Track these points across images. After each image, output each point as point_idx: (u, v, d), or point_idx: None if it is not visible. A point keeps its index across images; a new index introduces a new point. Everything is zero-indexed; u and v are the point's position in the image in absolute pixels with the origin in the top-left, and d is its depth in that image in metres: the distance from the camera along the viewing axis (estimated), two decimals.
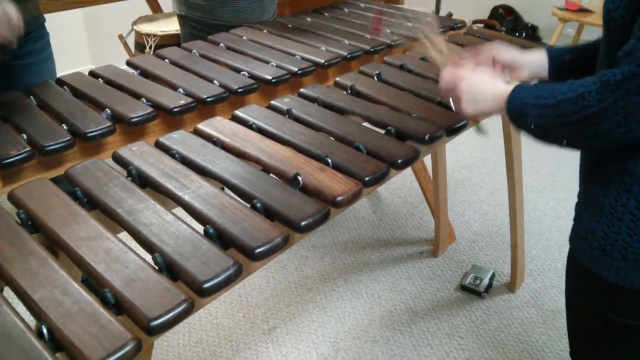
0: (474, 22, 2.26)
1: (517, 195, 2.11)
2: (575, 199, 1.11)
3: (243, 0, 2.06)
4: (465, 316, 2.12)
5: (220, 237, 0.94)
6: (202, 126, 1.28)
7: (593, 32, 4.12)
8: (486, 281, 2.23)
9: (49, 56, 1.80)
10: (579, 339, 1.20)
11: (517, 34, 4.42)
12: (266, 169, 1.13)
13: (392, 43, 1.81)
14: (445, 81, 1.14)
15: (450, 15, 2.16)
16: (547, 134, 0.98)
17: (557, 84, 0.96)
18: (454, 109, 1.15)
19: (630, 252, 0.97)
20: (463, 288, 2.24)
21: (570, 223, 1.10)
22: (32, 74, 1.69)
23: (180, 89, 1.43)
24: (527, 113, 0.98)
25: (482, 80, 1.09)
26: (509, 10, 4.64)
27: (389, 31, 1.90)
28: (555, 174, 3.01)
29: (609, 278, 1.01)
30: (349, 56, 1.69)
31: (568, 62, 1.18)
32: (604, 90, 0.87)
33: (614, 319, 1.08)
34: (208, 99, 1.39)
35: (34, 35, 1.70)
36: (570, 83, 0.94)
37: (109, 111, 1.31)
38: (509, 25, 4.55)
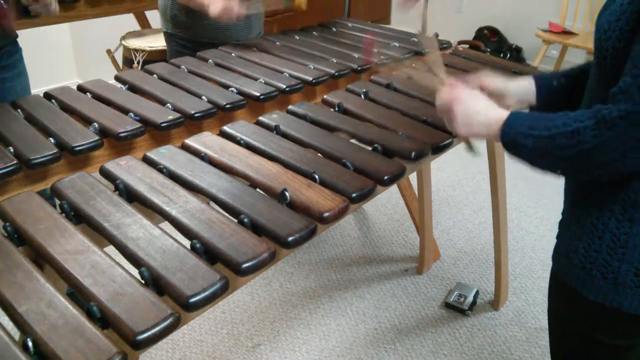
0: (460, 42, 2.30)
1: (500, 214, 2.13)
2: (559, 218, 1.12)
3: (238, 27, 2.08)
4: (449, 334, 2.12)
5: (207, 252, 0.94)
6: (190, 141, 1.28)
7: (576, 54, 4.19)
8: (470, 299, 2.24)
9: (22, 71, 1.78)
10: (563, 358, 1.21)
11: (501, 55, 4.48)
12: (254, 184, 1.14)
13: (380, 62, 1.81)
14: (442, 101, 1.13)
15: (436, 35, 2.19)
16: (542, 164, 0.99)
17: (551, 115, 0.97)
18: (448, 128, 1.15)
19: (610, 270, 0.98)
20: (447, 305, 2.25)
21: (554, 242, 1.12)
22: (5, 89, 1.67)
23: (169, 104, 1.43)
24: (522, 143, 0.98)
25: (477, 104, 1.09)
26: (493, 32, 4.71)
27: (376, 51, 1.90)
28: (538, 193, 3.04)
29: (589, 296, 1.02)
30: (336, 74, 1.71)
31: (556, 88, 1.19)
32: (600, 127, 0.88)
33: (596, 338, 1.08)
34: (196, 115, 1.39)
35: (7, 50, 1.69)
36: (564, 115, 0.95)
37: (96, 125, 1.31)
38: (494, 47, 4.61)
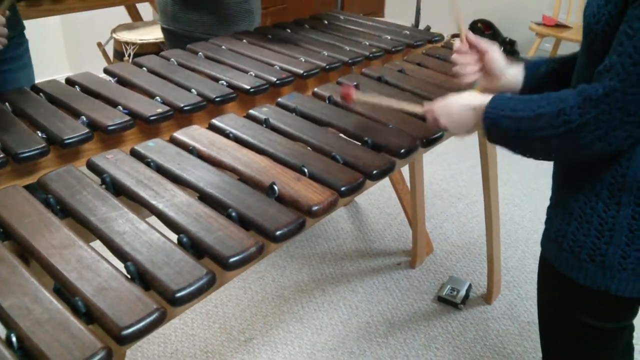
0: (453, 36, 2.28)
1: (493, 207, 2.12)
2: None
3: (242, 21, 2.07)
4: (441, 327, 2.13)
5: (194, 246, 0.93)
6: (179, 135, 1.27)
7: (570, 48, 4.19)
8: (463, 292, 2.24)
9: (28, 63, 1.80)
10: (552, 343, 1.22)
11: None
12: (242, 178, 1.13)
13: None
14: (430, 123, 1.20)
15: (428, 28, 2.19)
16: (525, 146, 1.00)
17: (535, 96, 0.98)
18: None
19: (598, 254, 1.00)
20: (440, 299, 2.25)
21: None
22: (11, 80, 1.69)
23: (158, 98, 1.42)
24: (505, 125, 0.99)
25: (456, 104, 1.12)
26: (487, 25, 4.70)
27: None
28: (531, 187, 3.04)
29: (577, 280, 1.03)
30: (327, 67, 1.70)
31: (542, 73, 1.20)
32: (585, 105, 0.89)
33: (585, 321, 1.10)
34: (185, 108, 1.38)
35: (14, 42, 1.69)
36: (547, 96, 0.96)
37: (84, 119, 1.30)
38: (488, 40, 4.60)
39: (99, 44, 3.13)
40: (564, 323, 1.15)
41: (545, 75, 1.20)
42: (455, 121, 1.12)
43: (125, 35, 2.93)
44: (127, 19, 3.37)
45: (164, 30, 2.17)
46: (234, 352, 1.99)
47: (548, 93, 0.97)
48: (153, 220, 1.00)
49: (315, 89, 1.56)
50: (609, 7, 0.92)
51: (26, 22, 1.80)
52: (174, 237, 0.95)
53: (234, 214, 1.00)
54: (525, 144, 0.99)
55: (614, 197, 0.98)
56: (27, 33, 1.79)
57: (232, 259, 0.89)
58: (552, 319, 1.19)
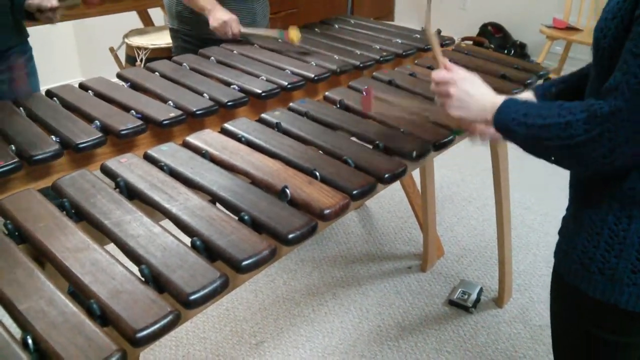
0: (463, 39, 2.28)
1: (504, 211, 2.12)
2: (563, 214, 1.12)
3: (244, 23, 2.08)
4: (453, 331, 2.12)
5: (207, 250, 0.94)
6: (192, 139, 1.28)
7: (580, 50, 4.18)
8: (474, 296, 2.23)
9: (33, 71, 1.79)
10: (563, 354, 1.21)
11: (505, 52, 4.46)
12: (254, 181, 1.13)
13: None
14: (436, 82, 1.13)
15: (439, 32, 2.19)
16: (534, 151, 0.99)
17: (546, 104, 0.98)
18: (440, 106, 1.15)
19: (608, 267, 0.98)
20: (451, 303, 2.24)
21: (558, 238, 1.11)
22: (15, 89, 1.67)
23: (170, 102, 1.43)
24: (514, 130, 0.99)
25: (474, 88, 1.10)
26: (497, 28, 4.68)
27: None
28: (543, 190, 3.03)
29: (587, 292, 1.02)
30: (338, 71, 1.70)
31: (554, 94, 1.19)
32: (590, 121, 0.88)
33: (596, 334, 1.08)
34: (198, 112, 1.39)
35: (17, 50, 1.69)
36: (559, 106, 0.95)
37: (98, 123, 1.31)
38: (498, 43, 4.59)
39: (111, 49, 3.16)
40: (575, 335, 1.13)
41: (557, 96, 1.19)
42: (465, 110, 1.10)
43: (137, 40, 2.95)
44: (139, 24, 3.40)
45: (170, 30, 2.20)
46: (245, 356, 2.00)
47: (561, 102, 0.96)
48: (167, 223, 1.01)
49: (326, 93, 1.57)
50: (616, 22, 0.91)
51: (39, 28, 1.81)
52: (187, 240, 0.96)
53: (246, 217, 1.00)
54: (534, 149, 0.99)
55: (625, 211, 0.96)
56: (40, 39, 1.80)
57: (245, 262, 0.90)
58: (564, 330, 1.17)
